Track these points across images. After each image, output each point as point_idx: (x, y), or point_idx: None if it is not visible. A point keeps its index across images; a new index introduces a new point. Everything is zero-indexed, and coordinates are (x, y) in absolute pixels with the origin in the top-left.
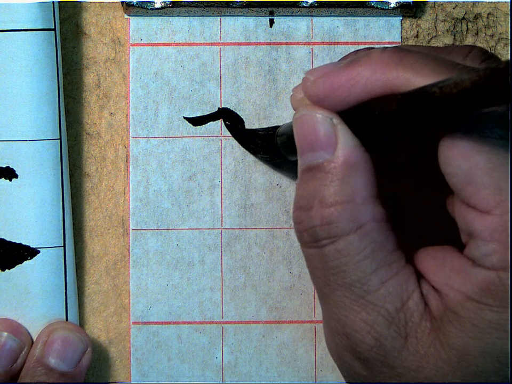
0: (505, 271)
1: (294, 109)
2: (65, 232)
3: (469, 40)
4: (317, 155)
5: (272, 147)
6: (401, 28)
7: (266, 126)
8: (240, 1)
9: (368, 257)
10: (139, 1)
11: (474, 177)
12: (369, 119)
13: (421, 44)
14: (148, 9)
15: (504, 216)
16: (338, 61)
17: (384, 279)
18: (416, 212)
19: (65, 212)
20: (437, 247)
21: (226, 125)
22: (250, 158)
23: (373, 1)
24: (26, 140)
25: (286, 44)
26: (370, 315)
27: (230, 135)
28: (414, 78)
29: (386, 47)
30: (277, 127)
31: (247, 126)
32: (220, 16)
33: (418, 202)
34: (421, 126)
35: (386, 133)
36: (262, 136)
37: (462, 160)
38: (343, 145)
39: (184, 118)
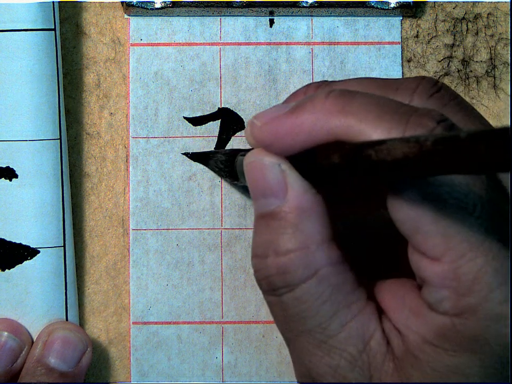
0: (458, 317)
1: (249, 145)
2: (65, 232)
3: (469, 40)
4: (268, 202)
5: (234, 172)
6: (401, 28)
7: (230, 148)
8: (240, 1)
9: (326, 302)
10: (139, 1)
11: (422, 226)
12: (316, 166)
13: (421, 43)
14: (148, 9)
15: (454, 264)
16: (287, 99)
17: (344, 322)
18: (378, 242)
19: (65, 211)
20: (398, 282)
21: (190, 155)
22: None
23: (373, 1)
24: (26, 140)
25: (286, 44)
26: (334, 359)
27: (230, 135)
28: (357, 125)
29: (332, 90)
30: (238, 151)
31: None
32: (220, 16)
33: (379, 233)
34: (366, 178)
35: (335, 177)
36: (223, 161)
37: (409, 209)
38: (293, 191)
39: (184, 118)
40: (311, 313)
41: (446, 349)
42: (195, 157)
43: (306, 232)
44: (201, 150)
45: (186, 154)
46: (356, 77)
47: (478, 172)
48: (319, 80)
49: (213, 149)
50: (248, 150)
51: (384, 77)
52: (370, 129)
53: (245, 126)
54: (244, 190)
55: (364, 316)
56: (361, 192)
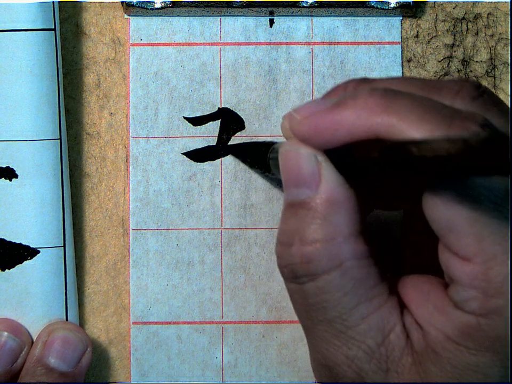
0: (484, 318)
1: (284, 137)
2: (65, 232)
3: (469, 40)
4: (300, 191)
5: (265, 164)
6: (401, 28)
7: (263, 140)
8: (240, 1)
9: (348, 294)
10: (139, 1)
11: (456, 226)
12: (353, 161)
13: (421, 43)
14: (148, 9)
15: (485, 265)
16: (326, 94)
17: (365, 315)
18: (406, 237)
19: (65, 212)
20: (423, 278)
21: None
22: None
23: (373, 1)
24: (26, 140)
25: (286, 44)
26: (351, 350)
27: (230, 135)
28: (399, 125)
29: (375, 89)
30: (272, 143)
31: (247, 126)
32: (220, 16)
33: (409, 227)
34: (403, 174)
35: (372, 173)
36: (254, 152)
37: (444, 208)
38: (327, 183)
39: (184, 118)
40: (332, 304)
41: (469, 348)
42: (231, 150)
43: (334, 224)
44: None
45: (187, 152)
46: (364, 76)
47: None
48: (318, 80)
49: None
50: (279, 142)
51: (385, 77)
52: (412, 129)
53: (245, 126)
54: (274, 183)
55: (385, 310)
56: (391, 188)
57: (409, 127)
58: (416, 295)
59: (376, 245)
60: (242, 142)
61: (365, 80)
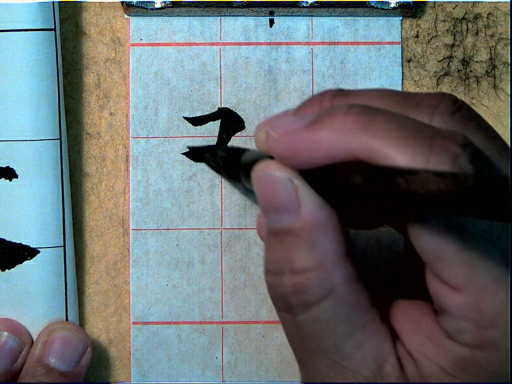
0: (479, 350)
1: (257, 149)
2: (65, 232)
3: (469, 40)
4: (281, 218)
5: (235, 172)
6: (401, 28)
7: (231, 146)
8: (240, 1)
9: (342, 322)
10: (139, 1)
11: (444, 254)
12: (333, 184)
13: (421, 43)
14: (148, 9)
15: (476, 295)
16: (302, 107)
17: (359, 343)
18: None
19: (65, 212)
20: (413, 305)
21: (188, 151)
22: None
23: (373, 1)
24: (26, 140)
25: (286, 44)
26: (347, 380)
27: (230, 135)
28: (379, 147)
29: (352, 106)
30: (241, 150)
31: (247, 126)
32: (220, 16)
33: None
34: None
35: (354, 197)
36: (223, 157)
37: (431, 235)
38: (307, 207)
39: (184, 118)
40: (326, 334)
41: (464, 380)
42: (193, 152)
43: (322, 249)
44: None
45: (187, 152)
46: (339, 88)
47: None
48: (318, 80)
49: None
50: (250, 150)
51: (385, 78)
52: (393, 152)
53: (245, 126)
54: (245, 190)
55: (379, 338)
56: (370, 210)
57: (390, 150)
58: (407, 323)
59: (363, 269)
60: (206, 145)
61: (340, 92)
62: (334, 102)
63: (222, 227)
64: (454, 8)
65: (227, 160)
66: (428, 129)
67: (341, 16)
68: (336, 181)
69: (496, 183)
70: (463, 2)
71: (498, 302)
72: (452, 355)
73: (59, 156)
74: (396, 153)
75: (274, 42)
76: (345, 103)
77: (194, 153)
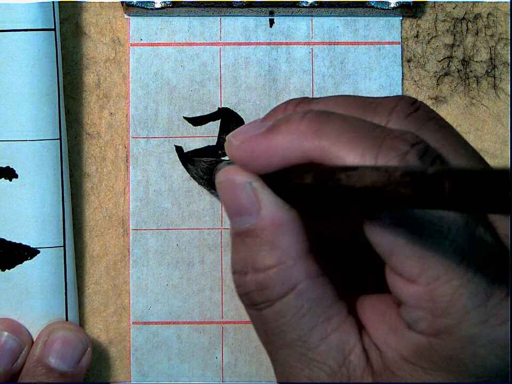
0: (434, 337)
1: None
2: (65, 232)
3: (469, 40)
4: (242, 220)
5: (212, 181)
6: (401, 28)
7: (212, 158)
8: (240, 1)
9: (305, 315)
10: (139, 1)
11: (397, 248)
12: (289, 186)
13: (421, 43)
14: (148, 9)
15: (429, 286)
16: (266, 116)
17: (324, 335)
18: (359, 258)
19: (65, 212)
20: (379, 298)
21: (177, 150)
22: None
23: (373, 1)
24: (26, 140)
25: (286, 44)
26: (313, 371)
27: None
28: (330, 148)
29: (308, 111)
30: (220, 160)
31: None
32: (220, 16)
33: (360, 249)
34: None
35: (307, 198)
36: (204, 168)
37: (384, 231)
38: (267, 208)
39: (184, 118)
40: (291, 327)
41: (423, 367)
42: (180, 156)
43: (283, 248)
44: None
45: (178, 151)
46: (304, 96)
47: (443, 208)
48: (318, 80)
49: (198, 156)
50: (227, 160)
51: (385, 78)
52: (343, 152)
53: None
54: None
55: (344, 330)
56: (341, 210)
57: (340, 151)
58: (373, 316)
59: (330, 265)
60: (192, 156)
61: (304, 101)
62: (297, 110)
63: (222, 227)
64: (454, 8)
65: (208, 171)
66: (379, 129)
67: (341, 16)
68: (290, 182)
69: (415, 172)
70: (463, 2)
71: (450, 291)
72: (411, 344)
73: (59, 156)
74: (346, 154)
75: (274, 42)
76: (305, 110)
77: (181, 158)
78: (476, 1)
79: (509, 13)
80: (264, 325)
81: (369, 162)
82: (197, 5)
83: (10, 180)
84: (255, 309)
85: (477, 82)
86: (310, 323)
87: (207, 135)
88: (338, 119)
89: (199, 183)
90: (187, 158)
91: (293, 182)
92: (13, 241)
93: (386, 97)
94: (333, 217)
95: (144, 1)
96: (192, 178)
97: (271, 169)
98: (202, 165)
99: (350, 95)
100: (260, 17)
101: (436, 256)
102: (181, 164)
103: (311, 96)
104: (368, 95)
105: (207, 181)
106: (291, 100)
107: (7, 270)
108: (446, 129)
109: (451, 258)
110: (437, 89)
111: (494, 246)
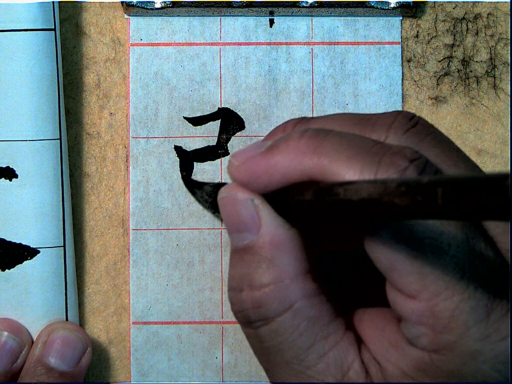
0: (436, 353)
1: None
2: (65, 232)
3: (469, 40)
4: (242, 236)
5: (216, 204)
6: (401, 28)
7: (217, 182)
8: (240, 1)
9: (303, 334)
10: (139, 1)
11: (397, 264)
12: (290, 204)
13: (421, 43)
14: (148, 9)
15: (430, 302)
16: (267, 136)
17: (322, 353)
18: (359, 273)
19: (65, 212)
20: (378, 313)
21: (182, 174)
22: None
23: (373, 1)
24: (26, 140)
25: (286, 44)
26: None
27: (230, 135)
28: (330, 166)
29: (307, 130)
30: (221, 185)
31: (247, 126)
32: (220, 16)
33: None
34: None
35: (308, 215)
36: (210, 192)
37: (384, 247)
38: (267, 226)
39: (184, 118)
40: (288, 346)
41: (424, 382)
42: (185, 183)
43: (281, 266)
44: (198, 179)
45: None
46: (303, 116)
47: (438, 217)
48: (318, 80)
49: (205, 180)
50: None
51: (385, 78)
52: (342, 170)
53: (245, 126)
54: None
55: (342, 347)
56: (342, 226)
57: (340, 168)
58: (372, 331)
59: (328, 281)
60: (200, 181)
61: (302, 120)
62: (295, 129)
63: (222, 227)
64: (454, 8)
65: (213, 193)
66: (378, 145)
67: (341, 16)
68: (291, 200)
69: (411, 182)
70: (463, 2)
71: (451, 307)
72: (412, 359)
73: (59, 156)
74: (345, 171)
75: (274, 42)
76: (304, 128)
77: (187, 184)
78: (476, 1)
79: (509, 13)
80: (261, 343)
81: (368, 178)
82: (197, 5)
83: (10, 180)
84: (251, 328)
85: (477, 82)
86: (308, 342)
87: (207, 135)
88: (336, 136)
89: (204, 207)
90: (193, 183)
91: (293, 200)
92: (13, 241)
93: (384, 113)
94: (334, 233)
95: (144, 1)
96: (197, 201)
97: (272, 188)
98: (207, 188)
99: (348, 113)
100: (260, 17)
101: (436, 272)
102: (179, 164)
103: (311, 96)
104: (368, 95)
105: (212, 203)
106: (290, 120)
107: (7, 270)
108: (445, 144)
109: (452, 274)
110: (437, 89)
111: (494, 261)
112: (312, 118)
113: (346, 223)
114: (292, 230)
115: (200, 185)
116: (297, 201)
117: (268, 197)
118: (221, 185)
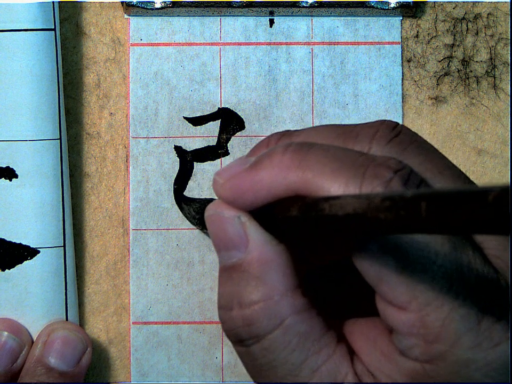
0: (428, 363)
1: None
2: (65, 232)
3: (469, 40)
4: (230, 254)
5: (203, 220)
6: (401, 28)
7: (204, 198)
8: (240, 1)
9: (295, 350)
10: (139, 1)
11: (385, 276)
12: (277, 220)
13: (421, 43)
14: (148, 9)
15: (420, 312)
16: (250, 152)
17: (315, 368)
18: (349, 284)
19: (65, 212)
20: (370, 324)
21: (174, 188)
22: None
23: (373, 1)
24: (26, 140)
25: (286, 44)
26: None
27: (230, 135)
28: (314, 180)
29: (290, 144)
30: (208, 201)
31: (247, 126)
32: (220, 16)
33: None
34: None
35: (294, 230)
36: (196, 208)
37: (371, 260)
38: (254, 243)
39: (184, 118)
40: (281, 362)
41: None
42: (177, 197)
43: (269, 283)
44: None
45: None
46: (286, 129)
47: (422, 231)
48: (318, 80)
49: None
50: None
51: (385, 78)
52: (327, 183)
53: (245, 126)
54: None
55: (335, 360)
56: (329, 240)
57: (324, 181)
58: (364, 342)
59: (318, 294)
60: (188, 196)
61: (285, 134)
62: (279, 143)
63: None
64: (454, 8)
65: (200, 210)
66: (362, 157)
67: (341, 16)
68: (277, 216)
69: (395, 196)
70: (463, 2)
71: (442, 316)
72: (405, 370)
73: (59, 156)
74: (330, 184)
75: (274, 42)
76: (287, 143)
77: (176, 198)
78: (476, 1)
79: (509, 13)
80: (254, 361)
81: (353, 191)
82: (197, 5)
83: (10, 180)
84: (243, 346)
85: (477, 82)
86: (300, 357)
87: (207, 135)
88: (320, 149)
89: (191, 223)
90: (182, 198)
91: (279, 216)
92: (13, 241)
93: (367, 123)
94: (321, 247)
95: (144, 1)
96: (185, 217)
97: (258, 204)
98: (195, 205)
99: (330, 124)
100: (260, 17)
101: (424, 283)
102: (179, 164)
103: (310, 96)
104: (368, 95)
105: (199, 220)
106: (273, 134)
107: (7, 270)
108: (429, 152)
109: (440, 284)
110: (437, 89)
111: (483, 268)
112: (295, 131)
113: (332, 237)
114: (280, 246)
115: (189, 201)
116: (283, 217)
117: (254, 214)
118: (208, 201)
